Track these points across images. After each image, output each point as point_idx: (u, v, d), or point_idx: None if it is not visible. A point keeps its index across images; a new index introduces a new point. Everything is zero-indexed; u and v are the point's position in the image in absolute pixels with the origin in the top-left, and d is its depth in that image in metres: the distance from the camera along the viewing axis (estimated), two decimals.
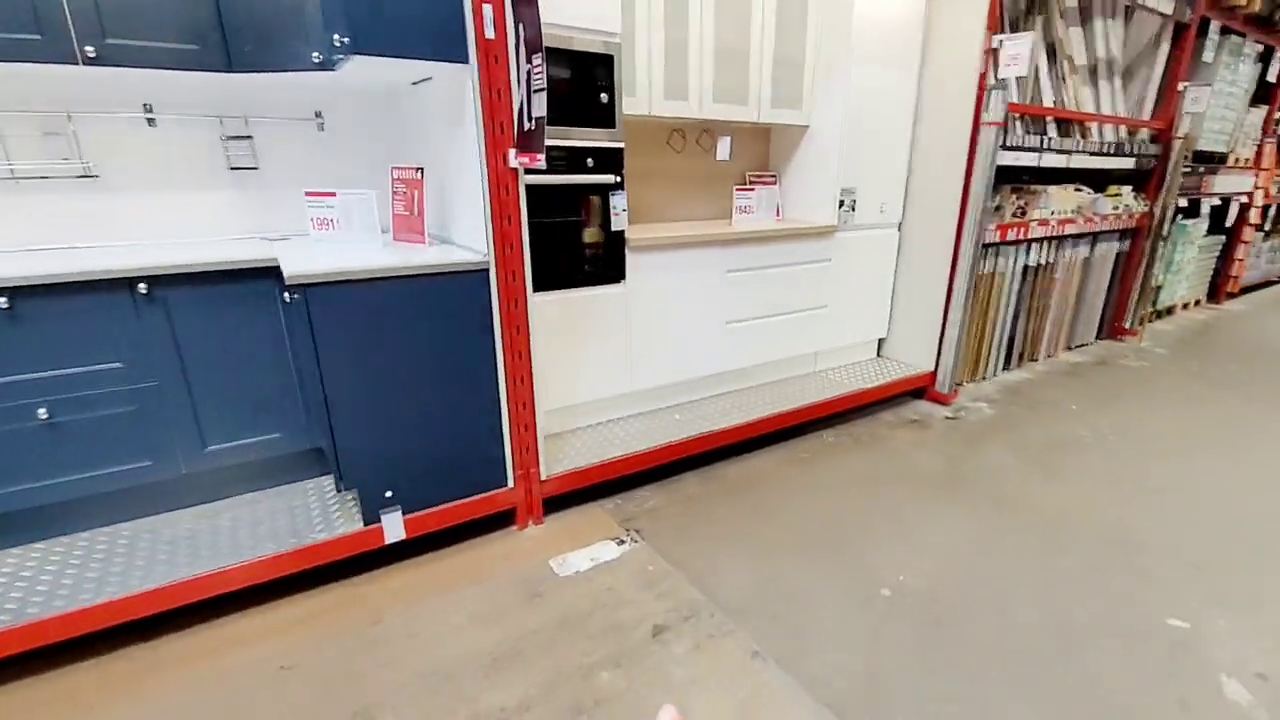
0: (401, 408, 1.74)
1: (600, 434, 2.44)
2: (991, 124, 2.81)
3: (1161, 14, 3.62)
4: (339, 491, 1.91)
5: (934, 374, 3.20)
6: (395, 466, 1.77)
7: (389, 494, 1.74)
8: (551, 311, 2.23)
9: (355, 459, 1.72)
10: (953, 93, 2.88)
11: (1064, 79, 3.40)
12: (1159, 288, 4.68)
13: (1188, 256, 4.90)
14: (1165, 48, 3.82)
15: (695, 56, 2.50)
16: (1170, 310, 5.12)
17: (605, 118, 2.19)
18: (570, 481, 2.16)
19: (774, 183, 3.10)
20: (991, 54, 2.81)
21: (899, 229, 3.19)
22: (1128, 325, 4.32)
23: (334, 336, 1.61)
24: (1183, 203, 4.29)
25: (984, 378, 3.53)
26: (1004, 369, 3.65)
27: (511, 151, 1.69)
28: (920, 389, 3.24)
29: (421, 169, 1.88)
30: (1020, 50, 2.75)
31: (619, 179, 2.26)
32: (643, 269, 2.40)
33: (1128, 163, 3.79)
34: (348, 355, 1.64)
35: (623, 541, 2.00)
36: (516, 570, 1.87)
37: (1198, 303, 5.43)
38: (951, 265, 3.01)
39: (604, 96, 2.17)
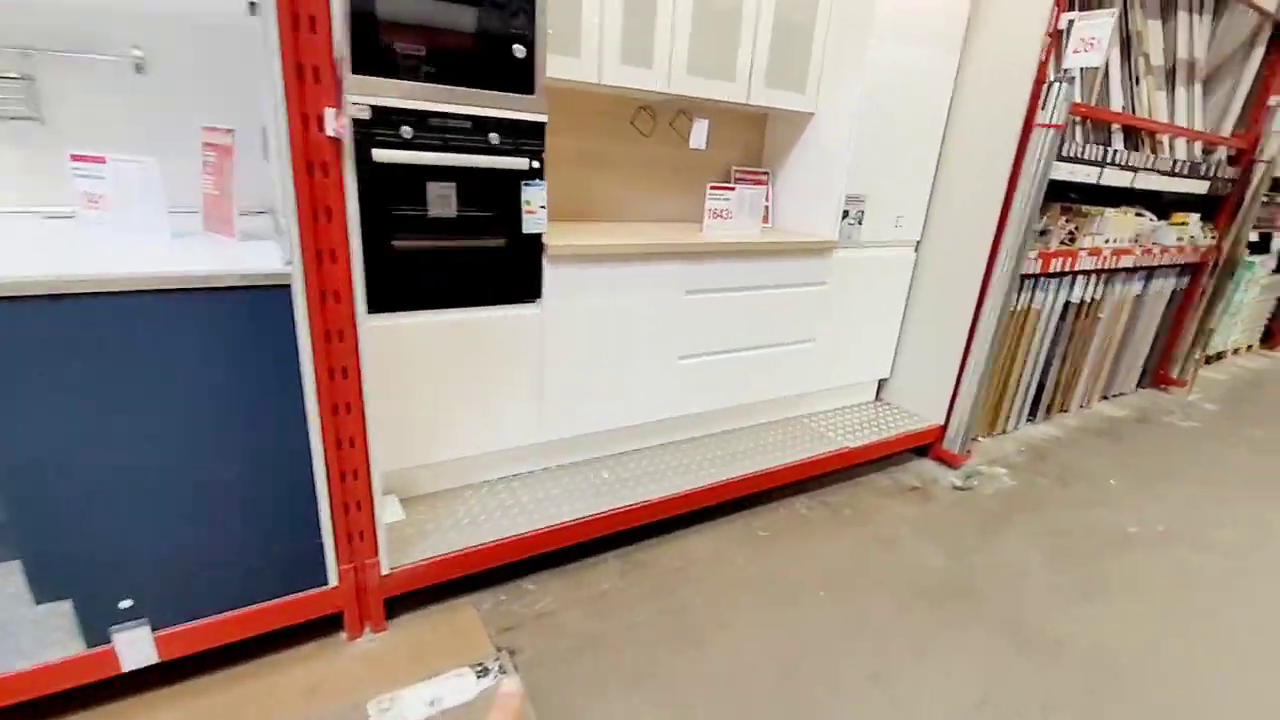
0: (147, 482, 1.17)
1: (495, 498, 1.84)
2: (1049, 126, 2.16)
3: (1263, 10, 2.92)
4: (36, 603, 1.25)
5: (944, 429, 2.58)
6: (138, 564, 1.20)
7: (126, 603, 1.19)
8: (431, 337, 1.65)
9: (63, 558, 1.14)
10: (1001, 83, 2.21)
11: (1137, 80, 2.74)
12: (1212, 332, 4.02)
13: (1249, 297, 4.21)
14: (1259, 53, 3.12)
15: (666, 12, 1.87)
16: (1220, 355, 4.44)
17: (518, 79, 1.58)
18: (431, 573, 1.57)
19: (765, 182, 2.49)
20: (1056, 38, 2.16)
21: (916, 249, 2.56)
22: (1175, 374, 3.66)
23: (20, 373, 1.05)
24: (1252, 236, 3.61)
25: (1004, 431, 2.91)
26: (1028, 420, 3.02)
27: (330, 113, 1.11)
28: (925, 445, 2.64)
29: (233, 130, 1.31)
30: (1098, 34, 2.09)
31: (536, 165, 1.66)
32: (567, 285, 1.79)
33: (1198, 186, 3.11)
34: (42, 402, 1.06)
35: (485, 671, 1.41)
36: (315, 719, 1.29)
37: (1249, 348, 4.73)
38: (979, 298, 2.38)
39: (518, 49, 1.57)
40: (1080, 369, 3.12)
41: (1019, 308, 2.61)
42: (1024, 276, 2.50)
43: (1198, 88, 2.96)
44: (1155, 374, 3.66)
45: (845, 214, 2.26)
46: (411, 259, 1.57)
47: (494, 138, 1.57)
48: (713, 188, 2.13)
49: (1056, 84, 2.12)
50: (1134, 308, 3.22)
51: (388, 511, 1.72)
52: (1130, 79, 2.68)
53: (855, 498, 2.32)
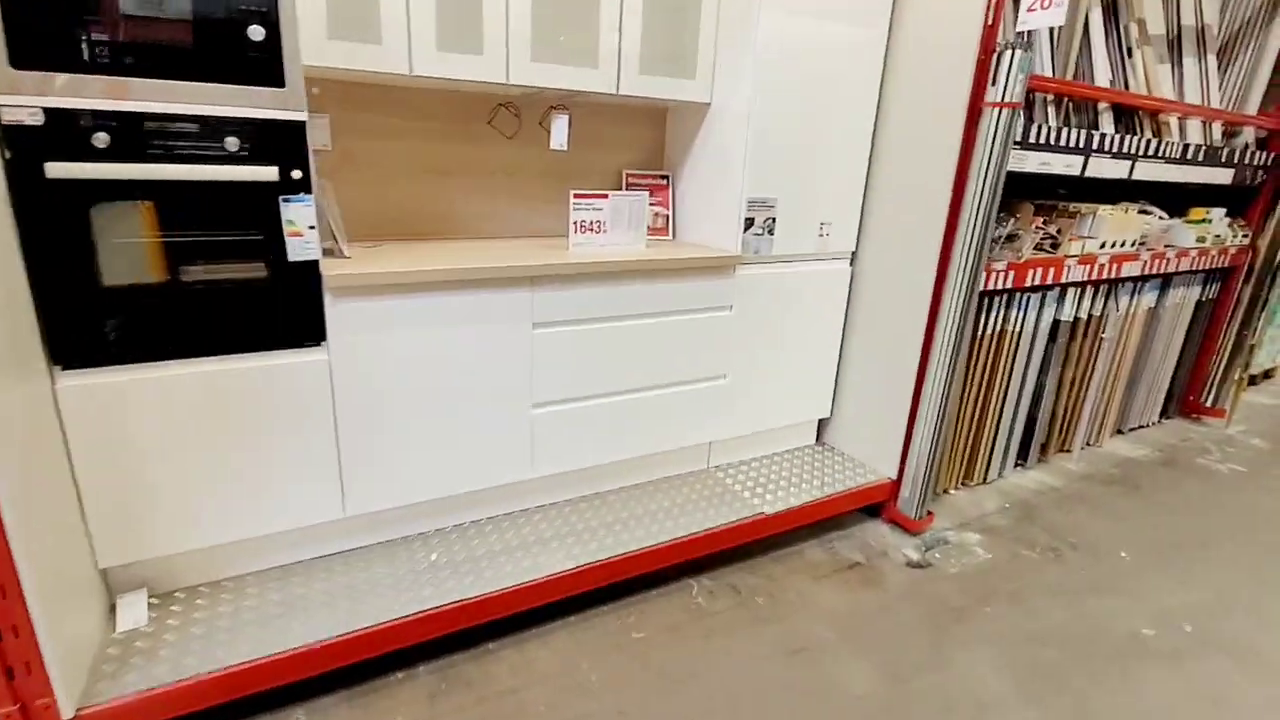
0: None
1: (282, 592, 1.47)
2: (1001, 105, 1.72)
3: None
4: None
5: (897, 484, 2.11)
6: None
7: None
8: (177, 394, 1.30)
9: None
10: (939, 55, 1.79)
11: (1128, 50, 2.26)
12: (1253, 348, 3.39)
13: None
14: None
15: None
16: (1269, 375, 3.79)
17: (259, 69, 1.23)
18: (148, 709, 1.19)
19: (664, 187, 2.10)
20: None
21: (852, 263, 2.14)
22: (1209, 401, 3.07)
23: None
24: None
25: (984, 480, 2.40)
26: (1017, 465, 2.51)
27: None
28: (877, 504, 2.16)
29: None
30: None
31: (297, 175, 1.31)
32: (362, 323, 1.43)
33: (1220, 175, 2.59)
34: None
35: None
36: None
37: None
38: (929, 322, 1.92)
39: (256, 31, 1.23)
40: (1082, 399, 2.59)
41: (990, 330, 2.14)
42: (990, 293, 2.04)
43: (1211, 59, 2.46)
44: (1184, 401, 3.08)
45: (749, 223, 1.85)
46: (133, 299, 1.24)
47: (231, 143, 1.24)
48: (577, 196, 1.75)
49: (1008, 51, 1.69)
50: (1148, 324, 2.69)
51: (126, 616, 1.37)
52: (1119, 49, 2.21)
53: (775, 579, 1.85)
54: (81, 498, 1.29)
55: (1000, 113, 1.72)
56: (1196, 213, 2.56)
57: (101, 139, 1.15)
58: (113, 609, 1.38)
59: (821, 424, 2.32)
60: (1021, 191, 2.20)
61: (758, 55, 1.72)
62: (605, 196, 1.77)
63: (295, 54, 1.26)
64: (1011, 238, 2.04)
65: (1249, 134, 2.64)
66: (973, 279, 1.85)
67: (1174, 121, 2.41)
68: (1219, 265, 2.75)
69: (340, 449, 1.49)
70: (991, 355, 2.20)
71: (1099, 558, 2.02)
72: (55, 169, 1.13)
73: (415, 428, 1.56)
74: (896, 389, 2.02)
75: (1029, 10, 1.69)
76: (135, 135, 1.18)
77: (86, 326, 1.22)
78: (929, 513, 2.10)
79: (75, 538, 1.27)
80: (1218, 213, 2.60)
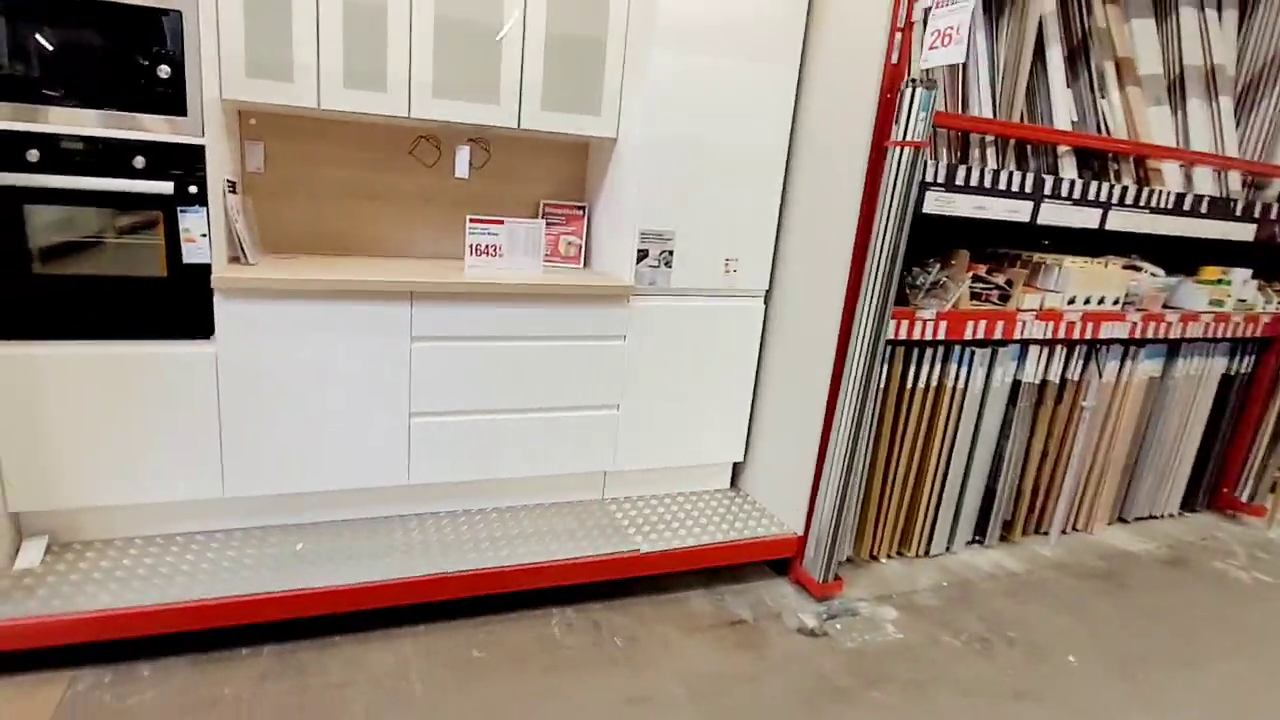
0: None
1: (161, 556, 1.60)
2: (905, 144, 1.64)
3: None
4: None
5: (802, 541, 1.95)
6: None
7: None
8: (83, 370, 1.50)
9: None
10: (845, 93, 1.76)
11: (1102, 90, 2.06)
12: None
13: None
14: None
15: (400, 27, 1.69)
16: None
17: (166, 101, 1.46)
18: (15, 635, 1.35)
19: (579, 217, 2.15)
20: (910, 32, 1.67)
21: (766, 301, 2.06)
22: (1244, 496, 2.57)
23: None
24: None
25: (924, 552, 2.16)
26: (974, 541, 2.23)
27: None
28: (784, 560, 2.00)
29: None
30: (957, 20, 1.58)
31: (193, 190, 1.50)
32: (249, 323, 1.59)
33: (1240, 231, 2.24)
34: None
35: None
36: None
37: None
38: (834, 368, 1.81)
39: (163, 70, 1.45)
40: (1060, 474, 2.27)
41: (922, 384, 1.96)
42: (918, 344, 1.89)
43: (1224, 102, 2.17)
44: (1217, 494, 2.60)
45: (643, 254, 1.85)
46: (53, 286, 1.47)
47: (139, 161, 1.46)
48: (473, 220, 1.85)
49: (909, 89, 1.61)
50: (1152, 396, 2.33)
51: (24, 557, 1.57)
52: (1091, 87, 2.02)
53: (645, 623, 1.77)
54: None
55: (903, 151, 1.64)
56: (1210, 272, 2.24)
57: (33, 155, 1.41)
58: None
59: (737, 468, 2.22)
60: (982, 240, 2.04)
61: (649, 90, 1.77)
62: (501, 222, 1.86)
63: (198, 89, 1.49)
64: (935, 285, 1.89)
65: (1278, 186, 2.28)
66: (878, 326, 1.73)
67: (1171, 169, 2.14)
68: (1249, 335, 2.36)
69: (222, 434, 1.65)
70: (927, 411, 2.01)
71: (1038, 659, 1.74)
72: None
73: (295, 422, 1.69)
74: (804, 438, 1.91)
75: (929, 48, 1.61)
76: (58, 152, 1.42)
77: (11, 305, 1.46)
78: (837, 578, 1.91)
79: None
80: (1239, 274, 2.25)
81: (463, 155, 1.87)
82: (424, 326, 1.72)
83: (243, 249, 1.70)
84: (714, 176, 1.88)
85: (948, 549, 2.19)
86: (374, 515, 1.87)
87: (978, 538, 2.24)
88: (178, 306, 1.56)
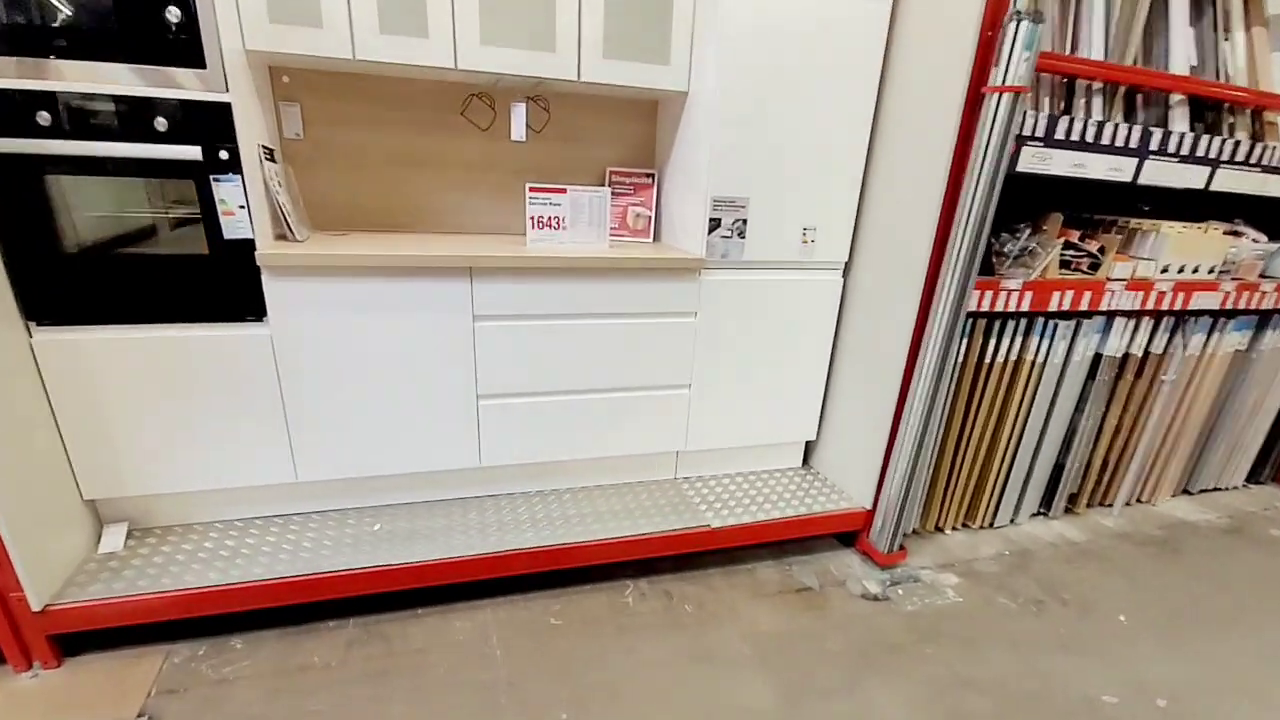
0: None
1: (242, 539, 1.52)
2: (1002, 90, 1.38)
3: None
4: None
5: (870, 514, 1.85)
6: None
7: None
8: (139, 355, 1.36)
9: None
10: (944, 33, 1.48)
11: (1226, 31, 1.78)
12: None
13: None
14: None
15: None
16: None
17: (178, 50, 1.23)
18: (108, 614, 1.31)
19: (648, 186, 1.93)
20: None
21: (845, 274, 1.86)
22: None
23: None
24: None
25: (989, 524, 2.05)
26: (1038, 513, 2.12)
27: None
28: (851, 533, 1.90)
29: None
30: None
31: (225, 155, 1.30)
32: (302, 302, 1.42)
33: None
34: None
35: None
36: None
37: None
38: (913, 342, 1.63)
39: (172, 13, 1.21)
40: (1131, 449, 2.13)
41: (1001, 358, 1.79)
42: (1001, 315, 1.71)
43: None
44: None
45: (715, 224, 1.65)
46: (91, 266, 1.30)
47: (161, 123, 1.25)
48: (534, 190, 1.64)
49: (1014, 22, 1.36)
50: (1234, 369, 2.15)
51: (108, 542, 1.49)
52: (1214, 28, 1.74)
53: (715, 591, 1.69)
54: (64, 438, 1.40)
55: (1001, 99, 1.39)
56: None
57: (44, 118, 1.21)
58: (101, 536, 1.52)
59: (810, 446, 2.07)
60: (1052, 199, 1.82)
61: (723, 35, 1.50)
62: (563, 191, 1.65)
63: (214, 37, 1.25)
64: (1025, 253, 1.69)
65: None
66: (960, 297, 1.54)
67: None
68: None
69: (288, 419, 1.51)
70: (1003, 387, 1.84)
71: (1089, 617, 1.66)
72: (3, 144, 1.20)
73: (359, 406, 1.54)
74: (877, 415, 1.74)
75: None
76: (69, 113, 1.21)
77: (52, 288, 1.30)
78: (901, 548, 1.81)
79: (59, 472, 1.40)
80: None
81: (519, 115, 1.63)
82: (485, 304, 1.54)
83: (288, 224, 1.50)
84: (793, 136, 1.63)
85: (1012, 521, 2.07)
86: (448, 497, 1.75)
87: (1042, 510, 2.12)
88: (224, 287, 1.38)
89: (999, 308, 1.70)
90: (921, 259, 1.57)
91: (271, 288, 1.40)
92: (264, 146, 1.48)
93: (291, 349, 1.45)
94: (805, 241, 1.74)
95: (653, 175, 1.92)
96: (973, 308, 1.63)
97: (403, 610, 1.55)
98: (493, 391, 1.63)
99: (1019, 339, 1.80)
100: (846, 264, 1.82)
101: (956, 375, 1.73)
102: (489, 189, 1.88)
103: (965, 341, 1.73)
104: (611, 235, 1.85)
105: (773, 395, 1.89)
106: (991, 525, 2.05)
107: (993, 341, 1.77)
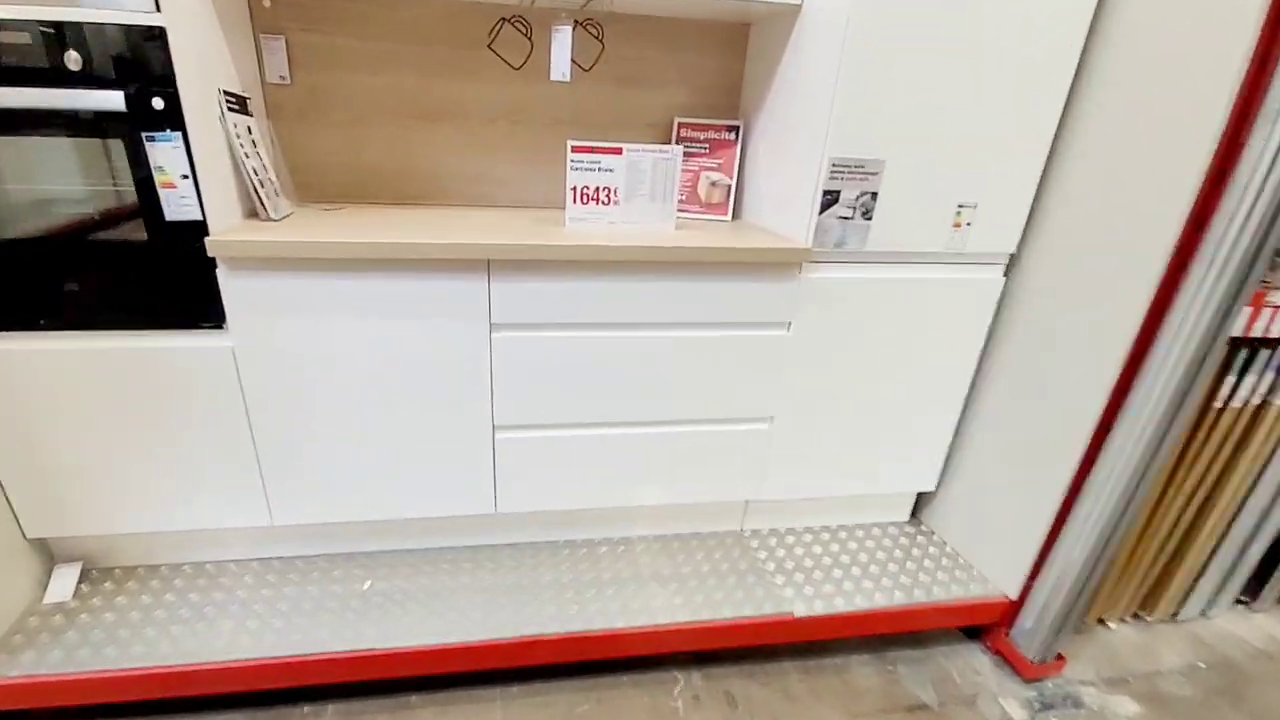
0: None
1: (207, 592, 1.22)
2: None
3: None
4: None
5: (1016, 606, 1.35)
6: None
7: None
8: (80, 369, 1.05)
9: None
10: None
11: None
12: None
13: None
14: None
15: None
16: None
17: None
18: (41, 693, 1.03)
19: (729, 144, 1.43)
20: None
21: (1007, 272, 1.31)
22: None
23: None
24: None
25: (1174, 616, 1.49)
26: (1239, 602, 1.53)
27: None
28: (979, 627, 1.38)
29: None
30: None
31: (159, 104, 0.92)
32: (270, 304, 1.06)
33: None
34: None
35: None
36: None
37: None
38: (1121, 375, 1.08)
39: None
40: None
41: (1242, 400, 1.22)
42: (1260, 342, 1.13)
43: None
44: None
45: (831, 198, 1.15)
46: (8, 260, 0.99)
47: (72, 59, 0.88)
48: (576, 149, 1.18)
49: None
50: None
51: (55, 588, 1.21)
52: None
53: (793, 700, 1.25)
54: None
55: None
56: None
57: None
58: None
59: (922, 496, 1.57)
60: None
61: None
62: (617, 152, 1.20)
63: None
64: None
65: None
66: (1222, 316, 0.99)
67: None
68: None
69: (258, 451, 1.17)
70: (1234, 438, 1.27)
71: None
72: None
73: (343, 436, 1.18)
74: (1045, 467, 1.22)
75: None
76: None
77: None
78: (1059, 656, 1.32)
79: None
80: None
81: (562, 43, 1.16)
82: (506, 309, 1.13)
83: (259, 197, 1.16)
84: (955, 72, 1.08)
85: (1203, 613, 1.51)
86: (456, 545, 1.39)
87: (1245, 599, 1.55)
88: (170, 284, 1.02)
89: (1258, 331, 1.13)
90: (1155, 252, 1.00)
91: (230, 285, 1.04)
92: (230, 93, 1.11)
93: (258, 364, 1.10)
94: (958, 225, 1.21)
95: (736, 129, 1.42)
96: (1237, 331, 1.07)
97: (393, 695, 1.20)
98: (513, 421, 1.23)
99: (1268, 375, 1.23)
100: (1012, 257, 1.28)
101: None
102: (521, 148, 1.44)
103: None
104: (680, 211, 1.37)
105: (884, 433, 1.39)
106: (1173, 617, 1.51)
107: (1232, 377, 1.21)
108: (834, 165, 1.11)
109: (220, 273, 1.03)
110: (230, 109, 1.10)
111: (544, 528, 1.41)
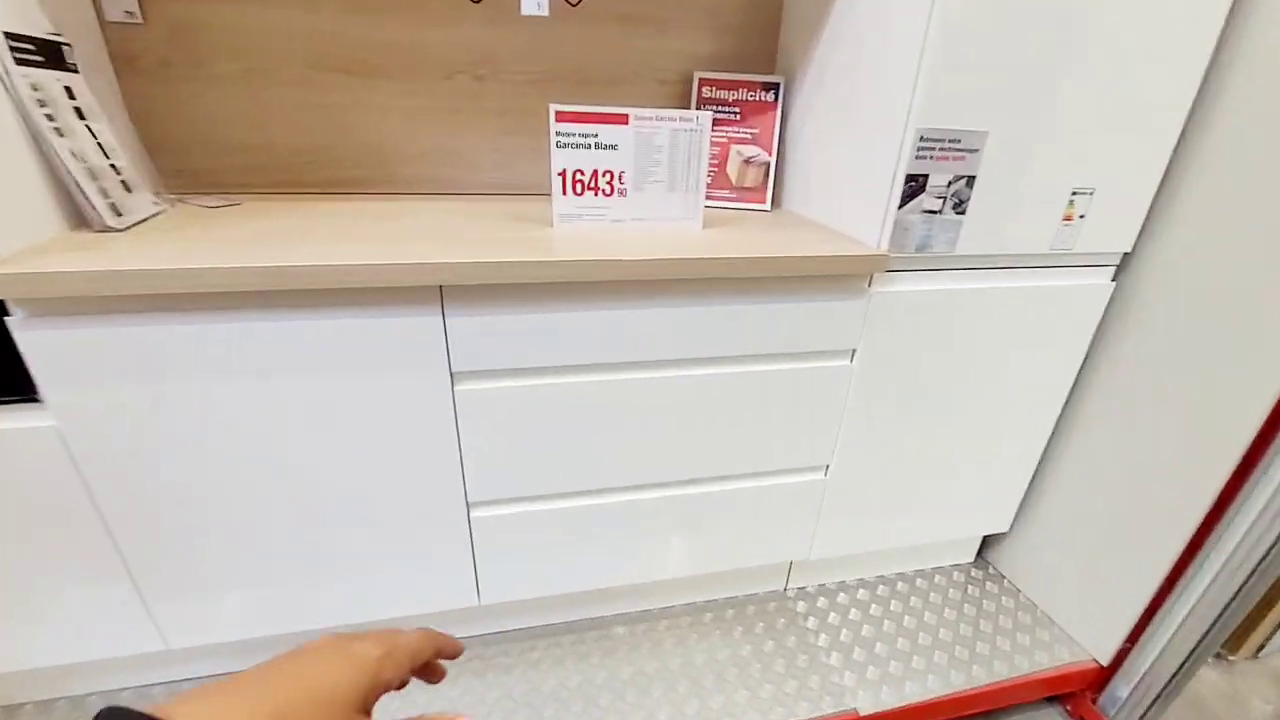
0: None
1: None
2: None
3: None
4: None
5: (1107, 672, 1.12)
6: None
7: None
8: None
9: None
10: None
11: None
12: None
13: None
14: None
15: None
16: None
17: None
18: None
19: (769, 107, 1.09)
20: None
21: (1116, 275, 1.00)
22: None
23: None
24: None
25: (1252, 654, 1.33)
26: None
27: None
28: (1062, 693, 1.13)
29: None
30: None
31: None
32: (117, 367, 0.69)
33: None
34: None
35: None
36: None
37: None
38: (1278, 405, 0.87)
39: None
40: None
41: None
42: None
43: None
44: None
45: (915, 185, 0.84)
46: None
47: None
48: (562, 117, 0.83)
49: None
50: None
51: None
52: None
53: None
54: None
55: None
56: None
57: None
58: None
59: (985, 541, 1.31)
60: None
61: None
62: (621, 120, 0.86)
63: None
64: None
65: None
66: None
67: None
68: None
69: (128, 564, 0.81)
70: None
71: None
72: None
73: (255, 534, 0.83)
74: (1155, 515, 0.98)
75: None
76: None
77: None
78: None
79: None
80: None
81: None
82: (470, 352, 0.78)
83: (87, 196, 0.77)
84: (1080, 9, 0.79)
85: None
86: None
87: None
88: None
89: None
90: None
91: (29, 340, 0.66)
92: (21, 36, 0.72)
93: (97, 448, 0.73)
94: (1069, 218, 0.92)
95: (775, 88, 1.08)
96: None
97: None
98: (492, 496, 0.90)
99: None
100: (1125, 258, 1.00)
101: None
102: (490, 113, 1.06)
103: None
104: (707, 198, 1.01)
105: (957, 471, 1.12)
106: (1256, 654, 1.35)
107: None
108: (922, 140, 0.80)
109: (12, 322, 0.67)
110: (24, 61, 0.71)
111: (544, 610, 1.11)
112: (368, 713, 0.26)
